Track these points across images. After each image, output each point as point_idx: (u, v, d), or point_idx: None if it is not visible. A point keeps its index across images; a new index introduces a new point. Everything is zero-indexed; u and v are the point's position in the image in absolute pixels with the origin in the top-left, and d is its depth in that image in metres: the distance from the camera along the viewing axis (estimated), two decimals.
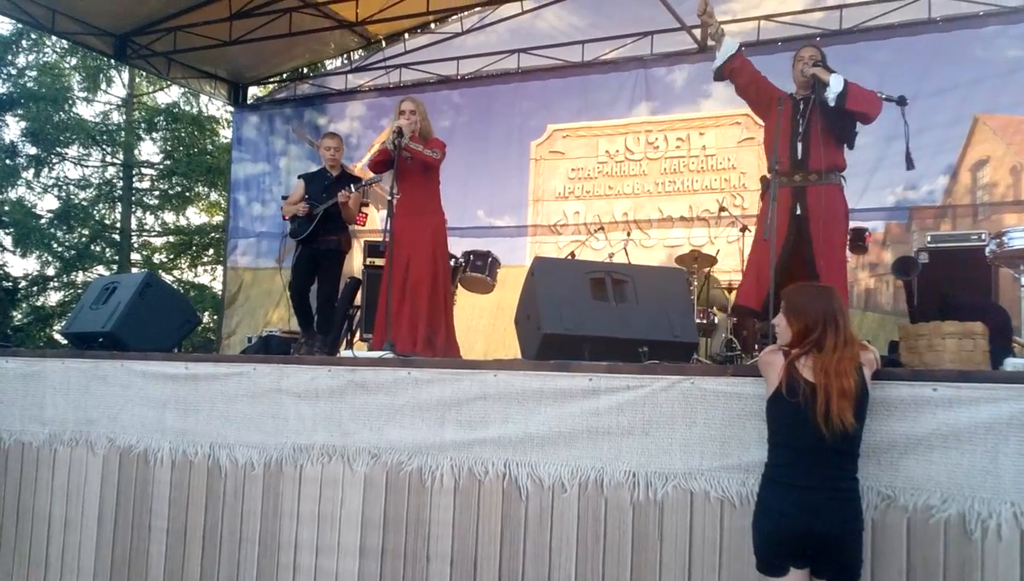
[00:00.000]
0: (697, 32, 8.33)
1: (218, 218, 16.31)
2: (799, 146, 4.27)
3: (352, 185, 6.13)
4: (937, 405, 2.94)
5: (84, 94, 15.44)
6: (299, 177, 6.70)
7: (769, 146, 4.67)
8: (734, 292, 5.88)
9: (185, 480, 4.28)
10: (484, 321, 8.37)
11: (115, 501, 4.45)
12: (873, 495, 2.96)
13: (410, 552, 3.73)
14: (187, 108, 15.81)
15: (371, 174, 5.72)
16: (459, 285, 6.80)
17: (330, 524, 3.92)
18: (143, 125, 15.75)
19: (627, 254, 7.43)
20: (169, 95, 15.99)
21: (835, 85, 4.32)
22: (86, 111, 15.57)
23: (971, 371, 3.20)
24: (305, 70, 11.16)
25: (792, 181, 4.39)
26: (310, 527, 3.96)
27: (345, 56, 11.00)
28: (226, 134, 15.32)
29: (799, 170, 4.31)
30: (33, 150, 14.92)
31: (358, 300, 7.25)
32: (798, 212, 4.33)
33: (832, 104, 4.32)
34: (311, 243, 6.25)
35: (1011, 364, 3.43)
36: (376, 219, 9.11)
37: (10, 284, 14.94)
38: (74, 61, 15.28)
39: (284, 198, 8.92)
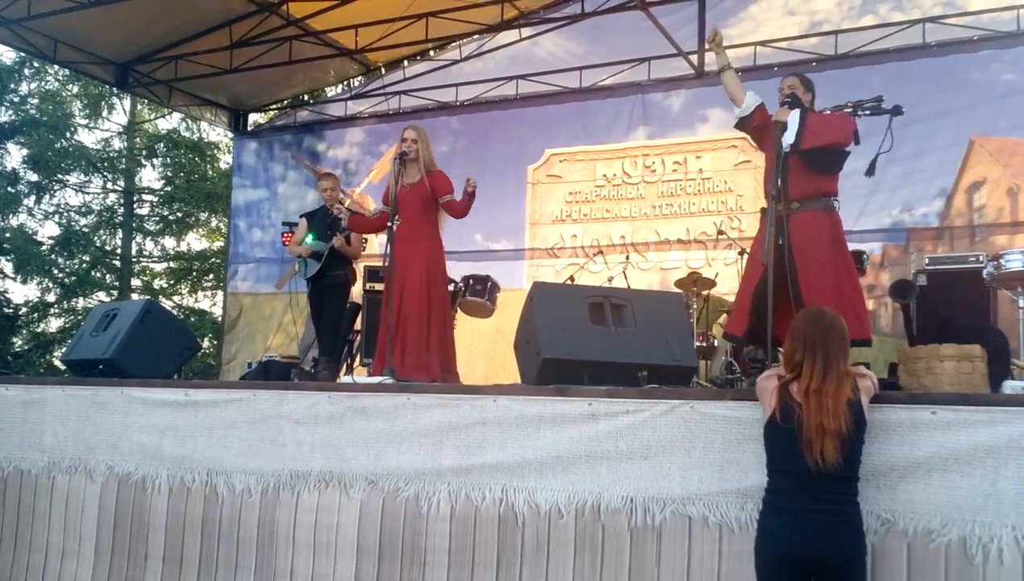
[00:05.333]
0: (694, 58, 8.41)
1: (218, 244, 16.36)
2: (780, 176, 4.27)
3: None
4: (936, 428, 2.93)
5: (85, 121, 15.57)
6: (301, 216, 6.83)
7: (765, 175, 4.70)
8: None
9: (182, 507, 4.25)
10: (484, 345, 8.37)
11: (112, 529, 4.42)
12: (872, 519, 2.94)
13: (406, 580, 3.70)
14: (187, 134, 15.92)
15: (368, 203, 5.80)
16: (458, 309, 6.81)
17: (325, 552, 3.88)
18: (144, 152, 15.84)
19: (626, 278, 7.44)
20: (170, 121, 16.12)
21: (789, 131, 4.27)
22: (87, 138, 15.71)
23: (970, 394, 3.21)
24: (305, 97, 11.24)
25: (776, 211, 4.37)
26: (306, 555, 3.92)
27: (345, 83, 11.09)
28: (227, 160, 15.42)
29: (781, 199, 4.33)
30: (34, 177, 15.01)
31: (358, 325, 7.28)
32: (780, 242, 4.32)
33: (788, 150, 4.28)
34: (319, 280, 6.39)
35: (1010, 387, 3.43)
36: (375, 244, 9.13)
37: (11, 310, 14.95)
38: (76, 89, 15.41)
39: (284, 225, 9.01)
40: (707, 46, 4.76)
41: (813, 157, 4.37)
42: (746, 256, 7.10)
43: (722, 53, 4.68)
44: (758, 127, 4.64)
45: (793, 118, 4.31)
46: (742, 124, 4.70)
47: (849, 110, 4.48)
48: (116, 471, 4.46)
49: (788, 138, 4.27)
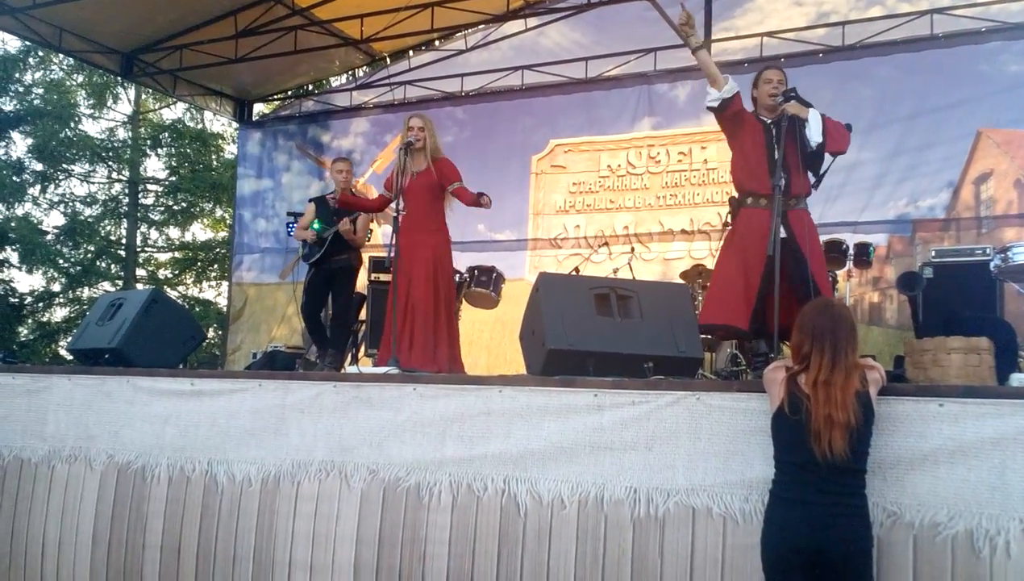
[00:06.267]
0: None
1: (223, 234, 16.37)
2: (780, 170, 4.24)
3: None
4: (943, 421, 2.92)
5: (90, 111, 15.56)
6: (310, 201, 6.77)
7: (740, 168, 4.59)
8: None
9: (181, 496, 4.24)
10: (485, 335, 8.37)
11: (110, 518, 4.40)
12: (879, 511, 2.93)
13: (405, 570, 3.70)
14: (191, 124, 15.91)
15: (372, 193, 5.77)
16: (463, 300, 6.81)
17: (325, 542, 3.87)
18: (148, 141, 15.84)
19: (631, 269, 7.43)
20: (174, 111, 16.11)
21: (815, 131, 4.25)
22: (92, 128, 15.70)
23: (977, 386, 3.19)
24: (310, 87, 11.22)
25: (771, 206, 4.34)
26: (305, 545, 3.92)
27: (350, 73, 11.07)
28: (231, 150, 15.41)
29: (781, 193, 4.30)
30: (39, 167, 15.01)
31: (363, 315, 7.27)
32: (783, 234, 4.30)
33: (814, 149, 4.27)
34: (322, 264, 6.33)
35: (1017, 379, 3.41)
36: (379, 235, 9.13)
37: (16, 300, 14.98)
38: (81, 78, 15.40)
39: (289, 214, 9.00)
40: (681, 28, 4.59)
41: (819, 159, 4.37)
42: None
43: (693, 34, 4.60)
44: (736, 113, 4.52)
45: (815, 117, 4.29)
46: (723, 106, 4.50)
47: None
48: (116, 460, 4.45)
49: (816, 137, 4.26)
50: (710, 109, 4.61)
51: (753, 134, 4.48)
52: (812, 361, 2.84)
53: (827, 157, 4.40)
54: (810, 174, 4.52)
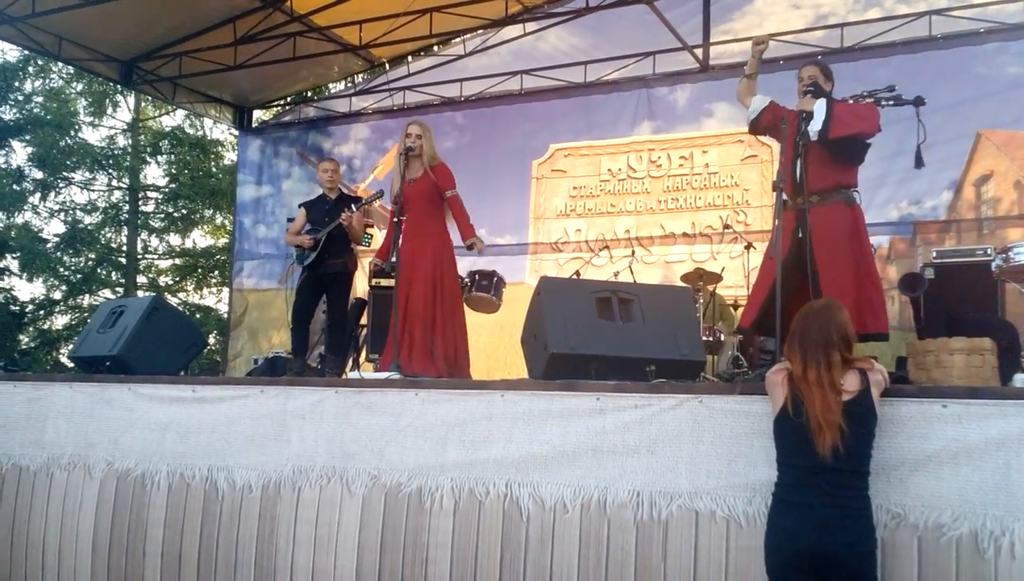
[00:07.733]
0: (699, 52, 8.39)
1: (223, 240, 16.37)
2: (797, 168, 4.23)
3: (352, 205, 6.19)
4: (946, 422, 2.91)
5: (90, 119, 15.58)
6: (300, 205, 6.76)
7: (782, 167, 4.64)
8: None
9: (181, 503, 4.24)
10: (484, 339, 8.35)
11: (110, 525, 4.40)
12: (883, 513, 2.92)
13: (407, 576, 3.69)
14: (191, 131, 15.92)
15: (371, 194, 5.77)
16: (464, 305, 6.79)
17: (326, 548, 3.87)
18: (148, 149, 15.85)
19: (632, 273, 7.43)
20: (174, 118, 16.12)
21: (816, 120, 4.22)
22: (92, 136, 15.69)
23: (980, 387, 3.19)
24: (309, 93, 11.24)
25: (795, 204, 4.36)
26: (306, 551, 3.91)
27: (349, 79, 11.09)
28: (231, 157, 15.42)
29: (800, 193, 4.30)
30: (39, 175, 15.01)
31: (364, 320, 7.27)
32: (799, 235, 4.29)
33: (816, 139, 4.24)
34: (317, 268, 6.29)
35: (1020, 380, 3.40)
36: (379, 240, 9.12)
37: (17, 308, 14.98)
38: (80, 86, 15.41)
39: (289, 221, 9.00)
40: (752, 49, 4.68)
41: (838, 147, 4.32)
42: (752, 250, 7.14)
43: (756, 59, 4.64)
44: (769, 125, 4.60)
45: (819, 107, 4.26)
46: (753, 127, 4.71)
47: (869, 100, 4.42)
48: (116, 467, 4.44)
49: (815, 127, 4.22)
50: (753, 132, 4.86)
51: (786, 129, 4.45)
52: (806, 362, 2.84)
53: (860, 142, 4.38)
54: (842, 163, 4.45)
